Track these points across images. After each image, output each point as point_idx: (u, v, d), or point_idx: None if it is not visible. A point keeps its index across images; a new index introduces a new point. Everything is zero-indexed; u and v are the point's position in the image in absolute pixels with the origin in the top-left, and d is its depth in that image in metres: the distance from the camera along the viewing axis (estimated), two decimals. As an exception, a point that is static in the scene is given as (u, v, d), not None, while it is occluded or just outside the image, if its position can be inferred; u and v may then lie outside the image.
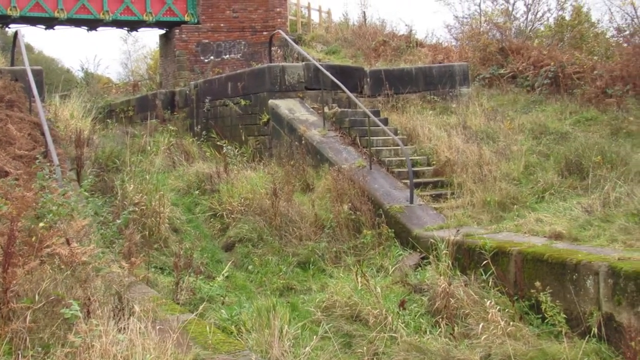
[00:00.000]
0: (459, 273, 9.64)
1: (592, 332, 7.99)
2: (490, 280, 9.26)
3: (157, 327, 5.61)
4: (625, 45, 19.24)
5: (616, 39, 21.87)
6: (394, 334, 8.26)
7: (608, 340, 7.86)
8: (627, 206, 10.00)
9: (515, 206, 11.65)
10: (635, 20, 22.10)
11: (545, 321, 8.41)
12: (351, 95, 14.70)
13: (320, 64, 16.41)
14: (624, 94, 16.38)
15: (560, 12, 29.24)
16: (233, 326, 8.28)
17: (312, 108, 15.91)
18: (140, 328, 5.24)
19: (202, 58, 24.20)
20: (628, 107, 15.74)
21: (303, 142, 14.40)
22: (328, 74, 15.26)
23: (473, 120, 15.59)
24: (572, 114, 16.39)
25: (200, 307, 7.66)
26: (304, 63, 16.75)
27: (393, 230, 11.44)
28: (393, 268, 10.44)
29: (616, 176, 11.48)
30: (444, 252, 9.71)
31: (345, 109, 15.62)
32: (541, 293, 8.23)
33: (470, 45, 22.42)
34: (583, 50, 20.99)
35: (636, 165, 12.06)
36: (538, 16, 29.94)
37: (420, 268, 10.40)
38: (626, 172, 11.75)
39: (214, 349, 5.65)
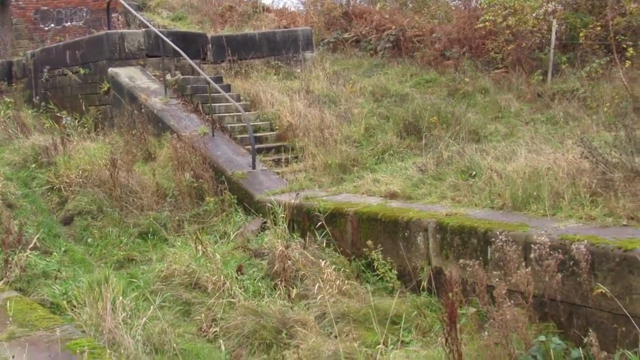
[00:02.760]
0: (297, 236, 9.73)
1: (423, 286, 8.27)
2: (327, 241, 9.44)
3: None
4: (462, 8, 19.91)
5: (454, 2, 22.57)
6: (232, 299, 8.29)
7: (438, 293, 8.14)
8: (458, 164, 10.31)
9: (355, 168, 11.84)
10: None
11: (380, 278, 8.65)
12: (191, 62, 14.41)
13: (163, 31, 16.03)
14: (461, 56, 16.98)
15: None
16: (65, 301, 8.07)
17: (154, 76, 15.53)
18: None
19: (42, 26, 23.07)
20: (464, 69, 16.29)
21: (144, 110, 14.03)
22: (168, 40, 14.87)
23: (316, 85, 15.68)
24: (412, 77, 16.83)
25: (26, 283, 7.41)
26: (144, 30, 16.28)
27: (236, 196, 11.39)
28: (235, 234, 10.43)
29: (450, 135, 11.88)
30: (281, 215, 9.79)
31: (188, 76, 15.33)
32: (373, 251, 8.44)
33: (316, 10, 22.51)
34: (424, 14, 21.47)
35: (468, 124, 12.54)
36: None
37: (262, 233, 10.43)
38: (459, 131, 12.18)
39: (32, 326, 5.49)
